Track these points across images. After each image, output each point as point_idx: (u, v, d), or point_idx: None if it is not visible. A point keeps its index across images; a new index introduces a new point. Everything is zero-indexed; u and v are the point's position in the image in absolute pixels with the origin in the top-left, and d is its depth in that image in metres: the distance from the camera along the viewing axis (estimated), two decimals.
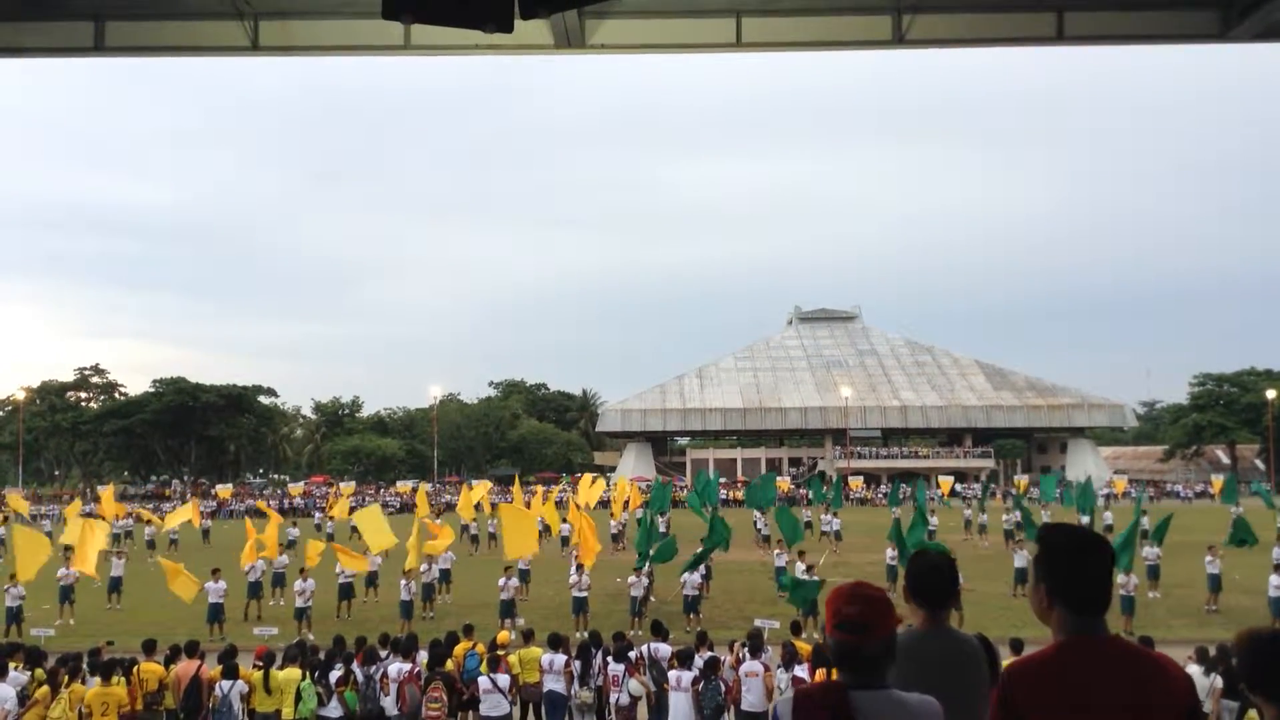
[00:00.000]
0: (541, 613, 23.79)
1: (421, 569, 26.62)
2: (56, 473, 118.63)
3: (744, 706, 13.67)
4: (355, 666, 14.46)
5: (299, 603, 24.38)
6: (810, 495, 57.35)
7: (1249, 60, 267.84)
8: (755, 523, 44.59)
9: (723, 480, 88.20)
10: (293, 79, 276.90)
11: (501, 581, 24.25)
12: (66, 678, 13.35)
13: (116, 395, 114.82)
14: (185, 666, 14.37)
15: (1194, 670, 13.77)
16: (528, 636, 16.67)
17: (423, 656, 14.93)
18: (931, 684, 3.42)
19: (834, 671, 3.34)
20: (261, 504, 67.75)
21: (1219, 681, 12.56)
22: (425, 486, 55.79)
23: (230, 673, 13.88)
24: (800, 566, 25.11)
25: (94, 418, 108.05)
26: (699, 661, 13.90)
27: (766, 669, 13.91)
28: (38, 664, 14.63)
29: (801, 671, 13.40)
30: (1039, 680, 3.06)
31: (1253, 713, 10.49)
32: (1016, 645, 13.45)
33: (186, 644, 15.20)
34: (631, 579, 24.77)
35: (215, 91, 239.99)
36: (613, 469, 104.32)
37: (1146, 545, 29.39)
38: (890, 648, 3.27)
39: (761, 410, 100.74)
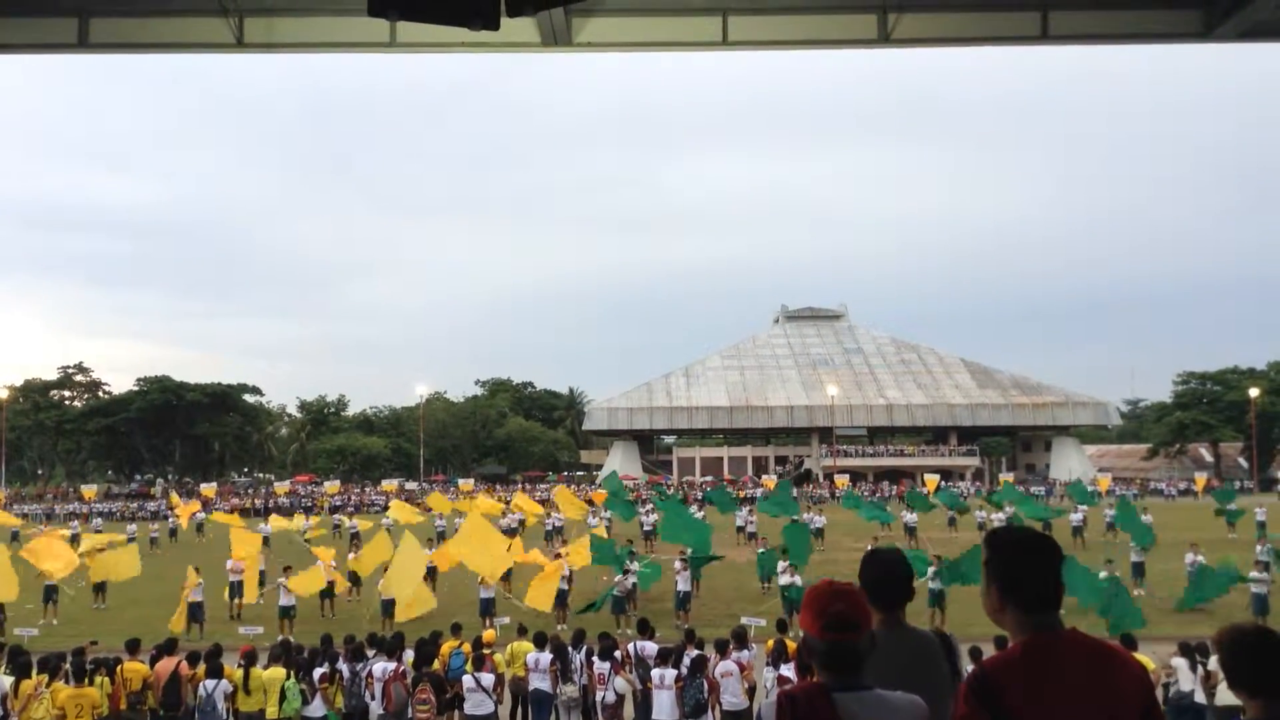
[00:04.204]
0: (527, 611, 23.73)
1: None
2: (40, 472, 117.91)
3: (725, 706, 13.71)
4: (341, 664, 14.42)
5: (283, 601, 24.24)
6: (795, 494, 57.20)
7: (1233, 61, 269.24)
8: (736, 519, 44.72)
9: (711, 479, 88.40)
10: (281, 77, 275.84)
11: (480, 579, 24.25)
12: (47, 678, 13.26)
13: (100, 394, 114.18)
14: (165, 664, 14.32)
15: (1179, 662, 13.89)
16: (521, 632, 16.71)
17: (408, 656, 14.93)
18: (892, 682, 3.42)
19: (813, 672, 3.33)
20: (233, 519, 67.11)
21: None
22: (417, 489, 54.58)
23: (214, 672, 13.82)
24: (782, 564, 25.17)
25: (77, 416, 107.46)
26: (686, 660, 13.92)
27: (743, 667, 13.96)
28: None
29: (788, 670, 13.41)
30: (1008, 679, 3.07)
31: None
32: (1001, 643, 13.44)
33: (165, 642, 15.16)
34: (618, 577, 24.82)
35: (201, 89, 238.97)
36: (599, 467, 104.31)
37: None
38: (873, 643, 3.28)
39: (748, 409, 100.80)
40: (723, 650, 14.35)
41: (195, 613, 24.02)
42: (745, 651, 14.61)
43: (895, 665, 3.80)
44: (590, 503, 52.19)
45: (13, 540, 49.17)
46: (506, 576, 28.17)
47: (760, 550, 30.19)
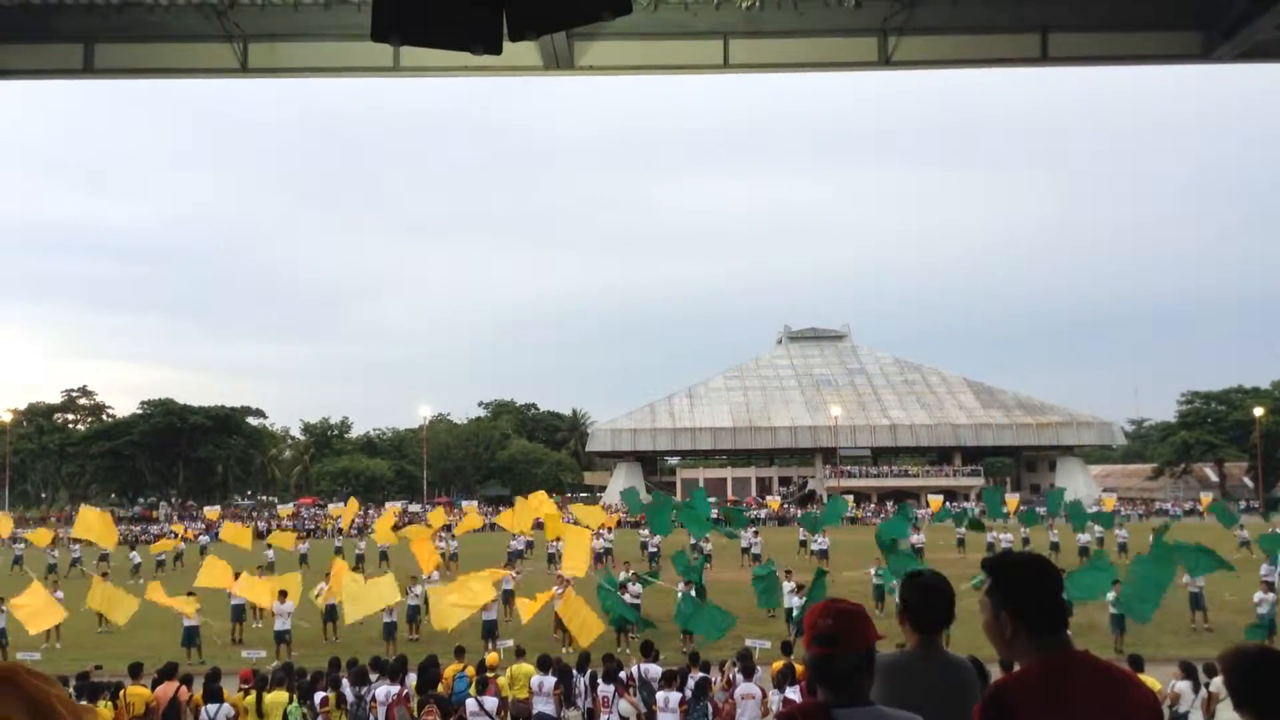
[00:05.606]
0: (530, 632, 23.66)
1: (408, 590, 26.49)
2: (44, 495, 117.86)
3: None
4: (345, 687, 14.37)
5: (278, 625, 24.14)
6: (798, 518, 57.03)
7: (1236, 79, 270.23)
8: (741, 540, 44.55)
9: (713, 500, 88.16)
10: (283, 100, 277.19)
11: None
12: None
13: (104, 417, 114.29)
14: (165, 689, 14.31)
15: (1183, 686, 13.83)
16: (519, 654, 16.68)
17: (411, 679, 14.87)
18: (920, 704, 3.41)
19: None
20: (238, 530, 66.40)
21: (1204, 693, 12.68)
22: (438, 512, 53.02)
23: (213, 696, 13.75)
24: (788, 586, 25.09)
25: (81, 439, 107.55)
26: (691, 682, 13.86)
27: (764, 692, 13.86)
28: None
29: (793, 693, 13.33)
30: (1027, 697, 3.07)
31: None
32: (1007, 666, 13.36)
33: (165, 666, 15.13)
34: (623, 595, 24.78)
35: (204, 113, 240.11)
36: (603, 489, 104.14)
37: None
38: (865, 663, 3.24)
39: (751, 429, 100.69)
40: (748, 674, 14.22)
41: (191, 637, 23.93)
42: (755, 674, 14.52)
43: (924, 688, 3.78)
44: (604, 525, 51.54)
45: (14, 564, 49.19)
46: (509, 599, 27.99)
47: (756, 568, 30.05)
